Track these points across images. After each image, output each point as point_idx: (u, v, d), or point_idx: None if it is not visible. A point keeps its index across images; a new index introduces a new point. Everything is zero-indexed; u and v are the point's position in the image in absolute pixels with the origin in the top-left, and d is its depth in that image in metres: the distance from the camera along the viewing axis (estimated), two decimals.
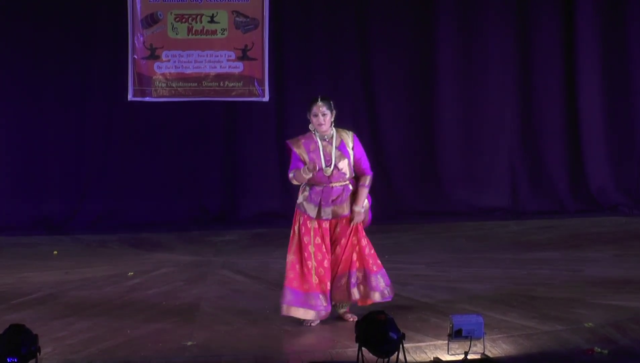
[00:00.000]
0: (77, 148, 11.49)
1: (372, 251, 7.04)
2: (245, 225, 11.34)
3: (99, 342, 6.62)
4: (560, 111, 11.96)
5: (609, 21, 11.82)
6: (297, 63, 11.63)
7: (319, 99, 6.90)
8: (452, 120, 11.85)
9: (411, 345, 6.24)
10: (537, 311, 7.20)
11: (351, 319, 6.95)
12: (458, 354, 6.05)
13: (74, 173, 11.46)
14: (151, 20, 11.20)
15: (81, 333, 6.86)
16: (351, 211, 6.92)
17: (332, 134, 6.95)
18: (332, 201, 6.89)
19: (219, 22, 11.27)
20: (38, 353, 5.28)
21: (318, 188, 6.90)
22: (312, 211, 6.88)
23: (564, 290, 7.91)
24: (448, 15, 11.71)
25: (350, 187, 6.97)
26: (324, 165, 6.87)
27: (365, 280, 6.98)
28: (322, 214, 6.88)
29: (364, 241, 6.99)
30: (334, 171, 6.88)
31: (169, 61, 11.27)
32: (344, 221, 6.95)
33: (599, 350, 6.21)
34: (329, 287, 6.93)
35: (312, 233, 6.90)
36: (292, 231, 7.00)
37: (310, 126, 6.95)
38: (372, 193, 7.06)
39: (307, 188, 6.93)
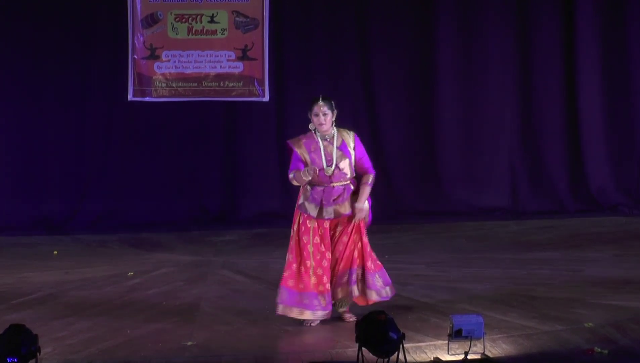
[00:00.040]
0: (77, 148, 11.49)
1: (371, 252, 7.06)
2: (245, 225, 11.34)
3: (99, 342, 6.62)
4: (560, 111, 11.96)
5: (609, 21, 11.83)
6: (297, 63, 11.63)
7: (320, 99, 6.90)
8: (452, 120, 11.85)
9: (411, 345, 6.24)
10: (537, 311, 7.20)
11: (350, 319, 6.95)
12: (458, 354, 6.05)
13: (74, 173, 11.46)
14: (151, 20, 11.21)
15: (81, 333, 6.86)
16: (353, 208, 6.91)
17: (333, 134, 6.95)
18: (334, 200, 6.89)
19: (219, 22, 11.27)
20: (38, 353, 5.28)
21: (319, 188, 6.90)
22: (313, 210, 6.88)
23: (564, 290, 7.91)
24: (448, 15, 11.71)
25: (352, 187, 6.98)
26: (325, 165, 6.87)
27: (363, 278, 6.98)
28: (324, 214, 6.88)
29: (365, 239, 7.00)
30: (335, 171, 6.88)
31: (169, 61, 11.27)
32: (346, 219, 6.95)
33: (599, 350, 6.21)
34: (327, 287, 6.92)
35: (311, 233, 6.90)
36: (291, 230, 7.00)
37: (311, 126, 6.95)
38: (372, 193, 7.05)
39: (309, 188, 6.93)
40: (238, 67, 11.34)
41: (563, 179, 11.97)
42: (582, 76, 11.84)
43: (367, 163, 7.03)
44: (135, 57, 11.22)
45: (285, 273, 6.97)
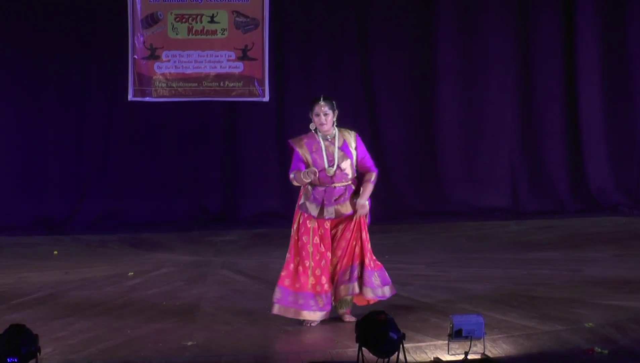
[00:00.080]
0: (77, 148, 11.49)
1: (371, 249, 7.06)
2: (245, 225, 11.34)
3: (99, 342, 6.61)
4: (560, 111, 11.96)
5: (609, 21, 11.83)
6: (298, 63, 11.64)
7: (321, 99, 6.90)
8: (453, 120, 11.85)
9: (411, 345, 6.24)
10: (537, 311, 7.20)
11: (350, 320, 6.92)
12: (458, 354, 6.05)
13: (74, 173, 11.46)
14: (151, 20, 11.21)
15: (81, 333, 6.86)
16: (355, 204, 6.89)
17: (335, 134, 6.95)
18: (335, 200, 6.88)
19: (219, 22, 11.28)
20: (38, 353, 5.28)
21: (321, 189, 6.89)
22: (314, 210, 6.87)
23: (564, 290, 7.91)
24: (448, 15, 11.72)
25: (353, 187, 6.97)
26: (326, 165, 6.87)
27: (361, 274, 6.97)
28: (325, 214, 6.87)
29: (365, 235, 6.98)
30: (337, 172, 6.88)
31: (169, 61, 11.27)
32: (346, 219, 6.93)
33: (599, 350, 6.21)
34: (325, 288, 6.91)
35: (311, 233, 6.90)
36: (292, 230, 7.00)
37: (311, 126, 6.94)
38: (372, 193, 7.04)
39: (310, 188, 6.92)
40: (238, 67, 11.34)
41: (563, 179, 11.97)
42: (582, 76, 11.84)
43: (369, 161, 7.03)
44: (136, 57, 11.22)
45: (283, 273, 6.98)
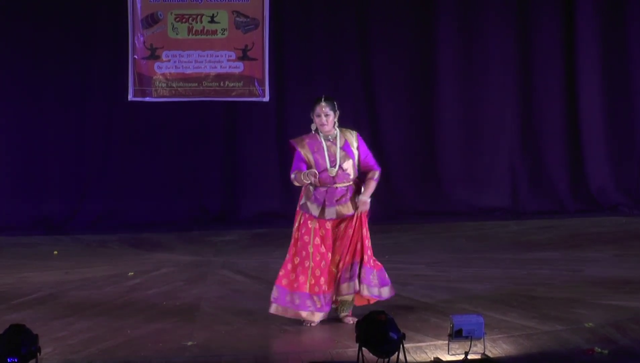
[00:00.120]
0: (77, 148, 11.49)
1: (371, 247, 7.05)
2: (245, 225, 11.34)
3: (99, 342, 6.62)
4: (560, 111, 11.96)
5: (609, 21, 11.83)
6: (298, 63, 11.63)
7: (323, 99, 6.89)
8: (453, 120, 11.85)
9: (411, 345, 6.24)
10: (537, 311, 7.20)
11: (352, 322, 6.91)
12: (458, 354, 6.05)
13: (74, 173, 11.46)
14: (151, 20, 11.20)
15: (81, 333, 6.86)
16: (357, 201, 6.89)
17: (336, 134, 6.95)
18: (336, 201, 6.88)
19: (219, 22, 11.27)
20: (38, 353, 5.27)
21: (322, 189, 6.89)
22: (315, 210, 6.87)
23: (564, 290, 7.91)
24: (448, 15, 11.71)
25: (354, 187, 6.97)
26: (328, 166, 6.87)
27: (359, 271, 6.96)
28: (326, 214, 6.87)
29: (365, 232, 6.97)
30: (339, 172, 6.88)
31: (169, 61, 11.27)
32: (348, 218, 6.93)
33: (599, 350, 6.21)
34: (324, 289, 6.89)
35: (312, 233, 6.89)
36: (293, 230, 7.00)
37: (312, 126, 6.94)
38: (373, 192, 7.04)
39: (311, 189, 6.91)
40: (238, 67, 11.34)
41: (563, 179, 11.97)
42: (582, 76, 11.84)
43: (372, 160, 7.04)
44: (136, 57, 11.22)
45: (281, 272, 6.98)
